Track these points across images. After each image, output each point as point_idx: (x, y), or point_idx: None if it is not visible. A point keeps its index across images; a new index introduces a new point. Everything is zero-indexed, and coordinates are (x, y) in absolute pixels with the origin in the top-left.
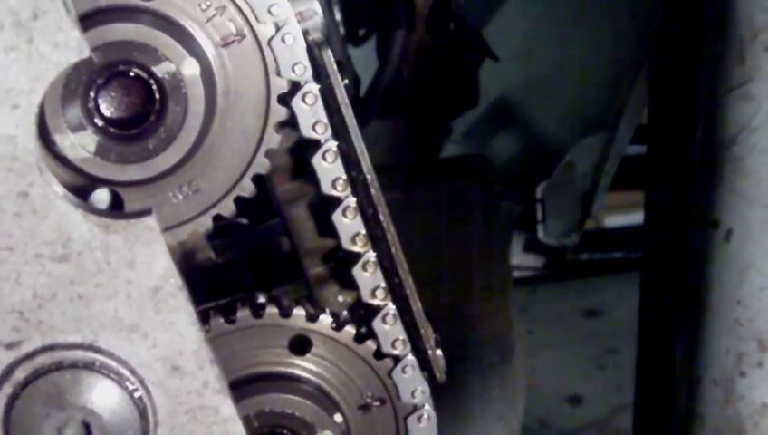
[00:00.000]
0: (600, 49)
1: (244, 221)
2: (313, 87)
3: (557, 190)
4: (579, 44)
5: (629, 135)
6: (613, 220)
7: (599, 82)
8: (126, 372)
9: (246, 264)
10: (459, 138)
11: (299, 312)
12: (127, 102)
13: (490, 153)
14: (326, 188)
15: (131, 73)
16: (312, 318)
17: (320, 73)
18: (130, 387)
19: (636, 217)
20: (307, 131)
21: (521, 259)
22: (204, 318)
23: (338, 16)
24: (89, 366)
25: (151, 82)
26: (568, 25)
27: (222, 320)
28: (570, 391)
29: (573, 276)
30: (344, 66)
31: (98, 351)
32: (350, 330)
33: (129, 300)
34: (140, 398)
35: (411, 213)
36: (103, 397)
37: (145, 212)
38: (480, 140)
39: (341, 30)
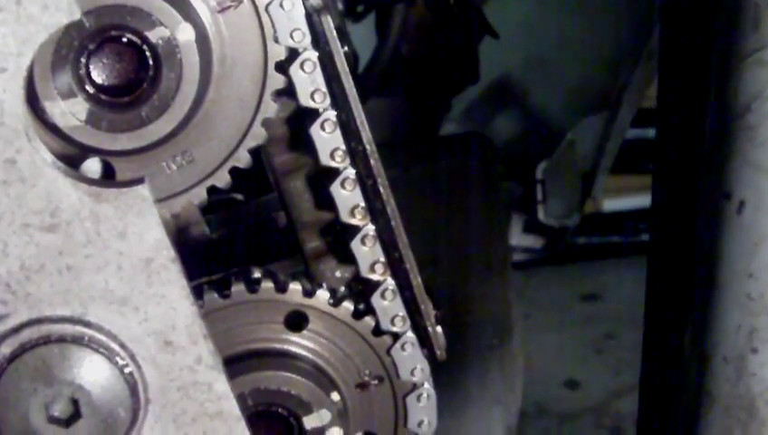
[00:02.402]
0: (602, 28)
1: (239, 197)
2: (312, 54)
3: (558, 170)
4: (580, 23)
5: (631, 116)
6: (611, 204)
7: (601, 61)
8: (116, 347)
9: (241, 239)
10: (459, 117)
11: (295, 287)
12: (119, 69)
13: (490, 132)
14: (324, 159)
15: (124, 39)
16: (309, 293)
17: (319, 40)
18: (121, 362)
19: (634, 202)
20: (305, 100)
21: (520, 240)
22: (197, 293)
23: None
24: (77, 340)
25: (145, 47)
26: (569, 4)
27: (216, 295)
28: (567, 375)
29: (571, 260)
30: (344, 33)
31: (87, 324)
32: (347, 306)
33: (120, 272)
34: (131, 373)
35: (409, 191)
36: (92, 372)
37: (137, 181)
38: (480, 118)
39: (340, 5)
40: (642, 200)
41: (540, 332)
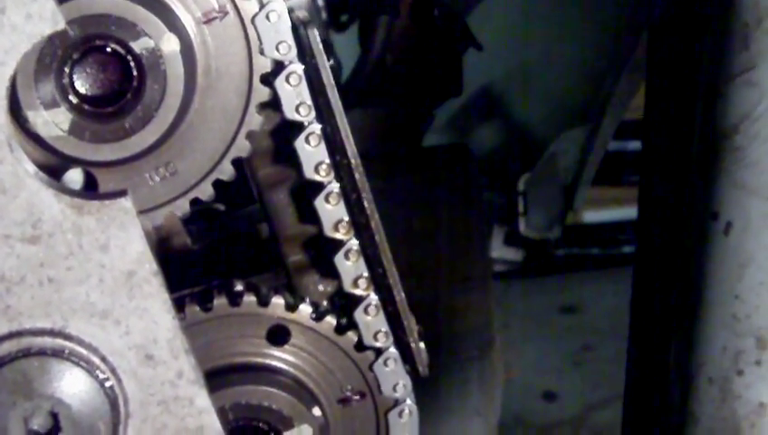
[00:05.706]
0: (585, 40)
1: (220, 207)
2: (298, 67)
3: (540, 183)
4: (564, 35)
5: (613, 128)
6: (591, 216)
7: (583, 74)
8: (97, 361)
9: (223, 251)
10: (441, 128)
11: (277, 301)
12: (103, 79)
13: (472, 143)
14: (309, 173)
15: (108, 49)
16: (291, 307)
17: (305, 53)
18: (101, 376)
19: (614, 214)
20: (290, 113)
21: (501, 252)
22: (179, 306)
23: (320, 1)
24: (58, 353)
25: (129, 58)
26: (553, 16)
27: (198, 308)
28: (545, 387)
29: (550, 272)
30: (330, 45)
31: (68, 337)
32: (330, 320)
33: (102, 285)
34: (111, 387)
35: (391, 203)
36: (73, 386)
37: (120, 193)
38: (462, 130)
39: (324, 15)
40: (622, 212)
41: (518, 343)
